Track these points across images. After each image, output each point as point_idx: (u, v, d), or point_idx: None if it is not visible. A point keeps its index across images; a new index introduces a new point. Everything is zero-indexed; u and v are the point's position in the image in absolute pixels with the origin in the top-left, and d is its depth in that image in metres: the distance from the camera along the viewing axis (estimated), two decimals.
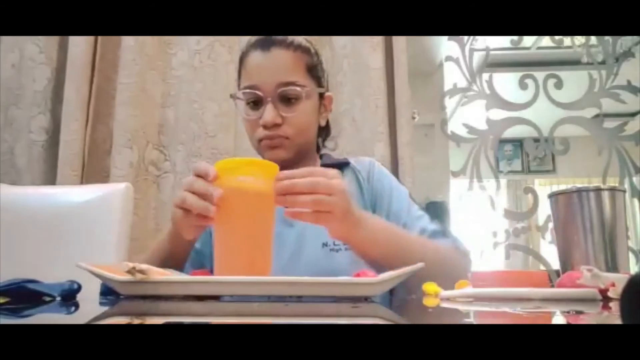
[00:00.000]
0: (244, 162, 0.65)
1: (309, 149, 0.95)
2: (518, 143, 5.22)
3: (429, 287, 0.61)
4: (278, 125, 0.87)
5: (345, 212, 0.67)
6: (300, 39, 0.91)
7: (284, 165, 0.73)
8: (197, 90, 1.58)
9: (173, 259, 0.77)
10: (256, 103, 0.88)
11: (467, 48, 1.76)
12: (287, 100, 0.87)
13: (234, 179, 0.62)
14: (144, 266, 0.53)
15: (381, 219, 0.81)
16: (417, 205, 0.91)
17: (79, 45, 1.54)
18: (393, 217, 0.88)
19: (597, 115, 1.74)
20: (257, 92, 0.86)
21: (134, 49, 1.55)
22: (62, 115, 1.51)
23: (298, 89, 0.87)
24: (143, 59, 1.55)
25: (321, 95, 0.94)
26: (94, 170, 1.55)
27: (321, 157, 0.99)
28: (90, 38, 1.56)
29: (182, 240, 0.73)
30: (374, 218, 0.78)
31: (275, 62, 0.87)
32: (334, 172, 0.68)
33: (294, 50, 0.88)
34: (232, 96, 0.93)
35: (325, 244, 0.87)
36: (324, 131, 1.00)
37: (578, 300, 0.54)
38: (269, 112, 0.85)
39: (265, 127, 0.86)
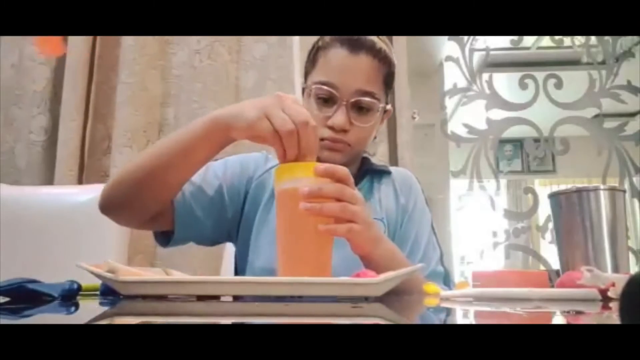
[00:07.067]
0: (303, 164, 0.65)
1: (360, 156, 0.96)
2: (518, 143, 5.21)
3: (429, 287, 0.61)
4: (345, 131, 0.85)
5: (368, 225, 0.66)
6: (386, 47, 0.88)
7: None
8: (197, 90, 1.58)
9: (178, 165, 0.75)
10: (326, 101, 0.86)
11: (467, 48, 1.76)
12: (359, 108, 0.86)
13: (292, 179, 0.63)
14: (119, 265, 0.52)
15: (390, 241, 0.80)
16: (435, 237, 0.92)
17: (77, 44, 1.54)
18: (413, 240, 0.89)
19: (597, 115, 1.74)
20: (334, 91, 0.84)
21: (134, 49, 1.55)
22: (61, 114, 1.51)
23: (374, 101, 0.86)
24: (143, 58, 1.56)
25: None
26: (92, 169, 1.55)
27: (363, 161, 0.97)
28: (89, 38, 1.57)
29: (218, 144, 0.74)
30: (386, 237, 0.78)
31: (361, 68, 0.85)
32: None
33: (379, 60, 0.86)
34: (304, 87, 0.89)
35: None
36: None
37: (578, 300, 0.54)
38: (341, 116, 0.84)
39: (332, 129, 0.84)
